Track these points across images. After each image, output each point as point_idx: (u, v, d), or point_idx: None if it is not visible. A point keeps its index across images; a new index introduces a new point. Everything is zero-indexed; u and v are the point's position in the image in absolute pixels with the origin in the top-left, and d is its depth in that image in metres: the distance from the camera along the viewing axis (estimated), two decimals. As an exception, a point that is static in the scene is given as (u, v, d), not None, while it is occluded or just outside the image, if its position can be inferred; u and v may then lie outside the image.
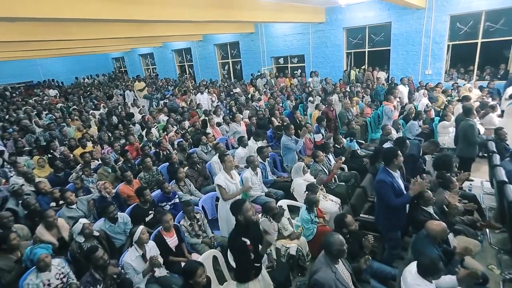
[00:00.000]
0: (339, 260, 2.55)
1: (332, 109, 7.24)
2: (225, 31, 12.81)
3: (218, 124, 7.51)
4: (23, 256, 3.02)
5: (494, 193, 4.21)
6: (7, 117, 10.32)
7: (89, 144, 6.65)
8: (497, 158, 4.29)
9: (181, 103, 10.74)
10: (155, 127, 7.93)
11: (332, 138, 6.19)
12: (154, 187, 4.77)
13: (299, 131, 5.83)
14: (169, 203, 4.23)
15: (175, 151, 6.09)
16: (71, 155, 6.09)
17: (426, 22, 9.62)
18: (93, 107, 11.53)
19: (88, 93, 15.30)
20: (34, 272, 2.83)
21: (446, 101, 8.07)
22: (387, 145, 4.68)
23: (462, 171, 4.25)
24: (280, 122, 7.19)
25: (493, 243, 3.76)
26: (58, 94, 15.67)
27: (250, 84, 12.91)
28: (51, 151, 6.35)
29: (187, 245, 3.64)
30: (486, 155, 5.22)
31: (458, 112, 6.10)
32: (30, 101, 13.46)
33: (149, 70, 20.58)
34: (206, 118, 7.66)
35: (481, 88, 8.16)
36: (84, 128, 7.91)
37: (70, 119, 8.77)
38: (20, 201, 4.20)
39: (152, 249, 3.21)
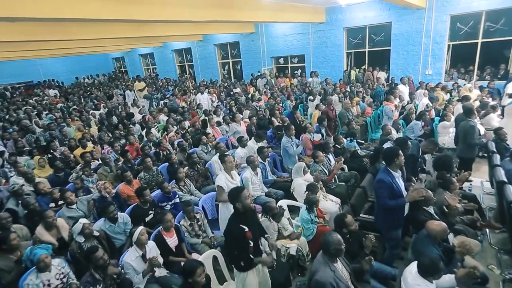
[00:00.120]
0: (338, 259, 2.55)
1: (332, 108, 7.25)
2: (225, 31, 12.81)
3: (218, 124, 7.51)
4: (23, 256, 3.02)
5: (494, 193, 4.21)
6: (7, 117, 10.33)
7: (89, 144, 6.65)
8: (497, 158, 4.29)
9: (181, 103, 10.75)
10: (155, 127, 7.94)
11: (332, 138, 6.19)
12: (154, 187, 4.77)
13: (301, 132, 5.85)
14: (170, 203, 4.23)
15: (175, 151, 6.10)
16: (71, 155, 6.09)
17: (427, 22, 9.62)
18: (93, 107, 11.53)
19: (88, 93, 15.30)
20: (34, 272, 2.82)
21: (446, 101, 8.08)
22: (387, 145, 4.68)
23: (463, 171, 4.26)
24: (280, 122, 7.20)
25: (493, 243, 3.76)
26: (58, 94, 15.67)
27: (250, 84, 12.91)
28: (51, 151, 6.35)
29: (187, 245, 3.64)
30: (486, 155, 5.22)
31: (458, 112, 6.11)
32: (31, 101, 13.47)
33: (149, 70, 20.58)
34: (206, 118, 7.67)
35: (481, 88, 8.16)
36: (85, 128, 7.91)
37: (70, 119, 8.77)
38: (20, 201, 4.20)
39: (152, 249, 3.21)
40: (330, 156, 5.16)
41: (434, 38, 9.68)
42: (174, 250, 3.43)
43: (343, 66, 12.10)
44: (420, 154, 4.52)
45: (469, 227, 3.51)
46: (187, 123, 7.86)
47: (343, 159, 4.99)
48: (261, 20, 9.74)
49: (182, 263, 3.09)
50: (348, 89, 9.87)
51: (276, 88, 11.59)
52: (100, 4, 5.05)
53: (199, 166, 5.15)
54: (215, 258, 3.25)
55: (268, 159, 5.22)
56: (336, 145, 5.69)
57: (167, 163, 5.33)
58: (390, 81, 10.13)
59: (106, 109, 10.80)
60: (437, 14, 9.37)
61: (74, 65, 20.68)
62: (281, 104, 9.14)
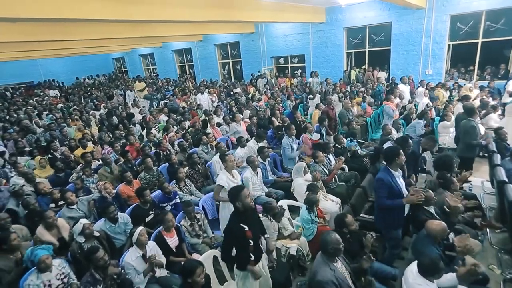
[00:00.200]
0: (337, 259, 2.55)
1: (332, 108, 7.25)
2: (225, 31, 12.81)
3: (218, 124, 7.51)
4: (24, 257, 3.02)
5: (494, 193, 4.21)
6: (7, 117, 10.34)
7: (90, 145, 6.65)
8: (497, 158, 4.29)
9: (181, 103, 10.75)
10: (156, 127, 7.94)
11: (332, 138, 6.19)
12: (154, 187, 4.77)
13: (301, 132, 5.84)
14: (170, 203, 4.23)
15: (175, 151, 6.10)
16: (72, 155, 6.10)
17: (427, 22, 9.61)
18: (94, 107, 11.54)
19: (89, 93, 15.32)
20: (35, 272, 2.82)
21: (447, 100, 8.07)
22: (387, 145, 4.67)
23: (464, 170, 4.25)
24: (281, 122, 7.20)
25: (494, 243, 3.75)
26: (59, 95, 15.68)
27: (250, 84, 12.91)
28: (52, 151, 6.35)
29: (188, 245, 3.65)
30: (486, 155, 5.21)
31: (458, 112, 6.10)
32: (31, 101, 13.48)
33: (149, 70, 20.59)
34: (206, 118, 7.67)
35: (481, 88, 8.16)
36: (85, 128, 7.92)
37: (70, 120, 8.78)
38: (20, 202, 4.20)
39: (152, 249, 3.21)
40: (331, 156, 5.16)
41: (434, 38, 9.68)
42: (174, 250, 3.44)
43: (343, 66, 12.09)
44: (421, 151, 4.51)
45: (470, 227, 3.52)
46: (187, 123, 7.87)
47: (343, 159, 4.99)
48: (261, 20, 9.74)
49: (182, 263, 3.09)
50: (348, 89, 9.87)
51: (276, 88, 11.59)
52: (100, 4, 5.05)
53: (199, 166, 5.15)
54: (215, 258, 3.25)
55: (269, 159, 5.22)
56: (336, 145, 5.69)
57: (167, 164, 5.33)
58: (390, 81, 10.13)
59: (106, 109, 10.81)
60: (437, 14, 9.36)
61: (74, 65, 20.70)
62: (281, 104, 9.13)
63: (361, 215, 3.93)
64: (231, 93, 11.79)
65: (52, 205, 4.26)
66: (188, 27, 10.83)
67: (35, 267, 2.83)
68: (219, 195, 3.98)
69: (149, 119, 8.47)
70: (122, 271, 3.00)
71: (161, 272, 3.19)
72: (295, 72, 13.34)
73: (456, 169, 4.37)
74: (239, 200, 2.56)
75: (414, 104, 8.08)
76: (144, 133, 7.30)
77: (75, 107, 11.94)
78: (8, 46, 9.10)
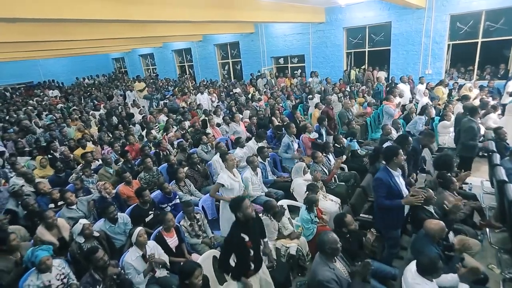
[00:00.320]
0: (336, 259, 2.55)
1: (331, 107, 7.24)
2: (225, 31, 12.80)
3: (218, 125, 7.51)
4: (24, 258, 3.02)
5: (494, 192, 4.21)
6: (7, 117, 10.33)
7: (89, 145, 6.65)
8: (497, 158, 4.29)
9: (181, 103, 10.75)
10: (156, 127, 7.94)
11: (332, 137, 6.19)
12: (154, 187, 4.77)
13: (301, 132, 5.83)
14: (170, 204, 4.23)
15: (175, 151, 6.10)
16: (71, 155, 6.09)
17: (426, 22, 9.62)
18: (93, 107, 11.54)
19: (88, 93, 15.31)
20: (35, 273, 2.82)
21: (447, 100, 8.07)
22: (387, 145, 4.67)
23: (463, 170, 4.25)
24: (280, 122, 7.20)
25: (493, 243, 3.75)
26: (59, 95, 15.68)
27: (250, 84, 12.91)
28: (52, 151, 6.35)
29: (187, 245, 3.64)
30: (486, 154, 5.22)
31: (458, 111, 6.11)
32: (31, 101, 13.47)
33: (149, 71, 20.59)
34: (206, 118, 7.67)
35: (481, 88, 8.17)
36: (85, 128, 7.92)
37: (70, 120, 8.78)
38: (20, 202, 4.20)
39: (153, 249, 3.21)
40: (330, 156, 5.16)
41: (434, 38, 9.68)
42: (174, 250, 3.44)
43: (343, 66, 12.09)
44: (421, 148, 4.50)
45: (469, 227, 3.52)
46: (187, 123, 7.87)
47: (344, 158, 4.98)
48: (261, 20, 9.74)
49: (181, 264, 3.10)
50: (348, 89, 9.87)
51: (276, 88, 11.59)
52: (100, 4, 5.04)
53: (199, 166, 5.15)
54: (215, 258, 3.25)
55: (268, 159, 5.22)
56: (336, 145, 5.69)
57: (166, 164, 5.32)
58: (390, 81, 10.13)
59: (106, 109, 10.80)
60: (437, 13, 9.37)
61: (74, 65, 20.68)
62: (281, 104, 9.14)
63: (360, 215, 3.94)
64: (231, 93, 11.79)
65: (52, 205, 4.26)
66: (188, 27, 10.83)
67: (34, 268, 2.83)
68: (216, 193, 3.99)
69: (150, 119, 8.48)
70: (122, 271, 2.99)
71: (161, 272, 3.19)
72: (294, 72, 13.34)
73: (456, 168, 4.37)
74: (240, 211, 2.60)
75: (414, 104, 8.08)
76: (144, 133, 7.30)
77: (74, 107, 11.92)
78: (8, 46, 9.09)
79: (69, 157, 5.99)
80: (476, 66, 9.69)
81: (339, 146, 5.69)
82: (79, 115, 9.69)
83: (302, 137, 6.07)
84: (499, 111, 6.70)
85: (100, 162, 5.69)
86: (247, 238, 2.59)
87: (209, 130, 7.01)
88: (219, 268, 2.88)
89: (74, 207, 4.06)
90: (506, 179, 3.63)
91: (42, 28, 7.11)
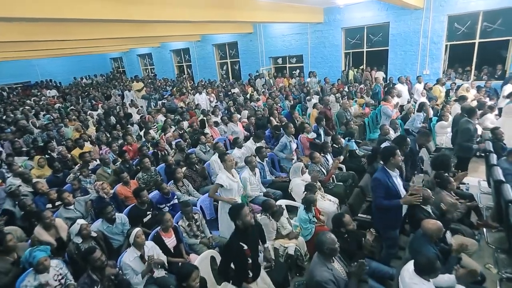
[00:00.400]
0: (334, 259, 2.56)
1: (329, 108, 7.26)
2: (223, 31, 12.80)
3: (216, 124, 7.51)
4: (22, 258, 3.01)
5: (491, 192, 4.23)
6: (4, 117, 10.28)
7: (87, 145, 6.63)
8: (494, 158, 4.31)
9: (179, 103, 10.73)
10: (154, 127, 7.92)
11: (330, 138, 6.20)
12: (152, 187, 4.76)
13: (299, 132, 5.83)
14: (168, 204, 4.22)
15: (173, 151, 6.09)
16: (69, 155, 6.07)
17: (424, 22, 9.65)
18: (91, 107, 11.50)
19: (86, 93, 15.26)
20: (32, 273, 2.81)
21: (444, 100, 8.10)
22: (385, 145, 4.68)
23: (460, 170, 4.27)
24: (279, 122, 7.20)
25: (490, 242, 3.76)
26: (56, 95, 15.61)
27: (248, 84, 12.91)
28: (49, 151, 6.32)
29: (185, 245, 3.64)
30: (483, 155, 5.24)
31: (456, 112, 6.13)
32: (28, 101, 13.40)
33: (147, 70, 20.55)
34: (204, 118, 7.66)
35: (478, 88, 8.21)
36: (82, 128, 7.88)
37: (68, 120, 8.74)
38: (17, 202, 4.18)
39: (151, 249, 3.20)
40: (328, 156, 5.17)
41: (431, 38, 9.72)
42: (172, 250, 3.43)
43: (341, 66, 12.11)
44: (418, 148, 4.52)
45: (466, 226, 3.53)
46: (185, 124, 7.86)
47: (342, 158, 4.98)
48: (259, 20, 9.75)
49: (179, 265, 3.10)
50: (346, 89, 9.89)
51: (275, 88, 11.59)
52: (100, 4, 5.03)
53: (197, 166, 5.14)
54: (213, 259, 3.25)
55: (267, 159, 5.22)
56: (334, 145, 5.70)
57: (164, 164, 5.31)
58: (388, 81, 10.16)
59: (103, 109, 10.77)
60: (435, 14, 9.40)
61: (72, 65, 20.59)
62: (279, 104, 9.14)
63: (359, 215, 3.95)
64: (229, 93, 11.78)
65: (49, 205, 4.24)
66: (187, 27, 10.82)
67: (31, 268, 2.82)
68: (214, 193, 3.98)
69: (148, 119, 8.46)
70: (120, 271, 2.99)
71: (159, 273, 3.19)
72: (293, 72, 13.35)
73: (453, 168, 4.39)
74: (239, 219, 2.61)
75: (412, 104, 8.10)
76: (142, 133, 7.28)
77: (72, 107, 11.88)
78: (5, 45, 9.05)
79: (67, 157, 5.97)
80: (473, 67, 9.73)
81: (337, 146, 5.69)
82: (77, 115, 9.64)
83: (300, 137, 6.08)
84: (496, 111, 6.73)
85: (98, 162, 5.67)
86: (245, 247, 2.60)
87: (207, 130, 7.00)
88: (219, 275, 2.89)
89: (71, 207, 4.05)
90: (503, 179, 3.66)
91: (41, 28, 7.08)
